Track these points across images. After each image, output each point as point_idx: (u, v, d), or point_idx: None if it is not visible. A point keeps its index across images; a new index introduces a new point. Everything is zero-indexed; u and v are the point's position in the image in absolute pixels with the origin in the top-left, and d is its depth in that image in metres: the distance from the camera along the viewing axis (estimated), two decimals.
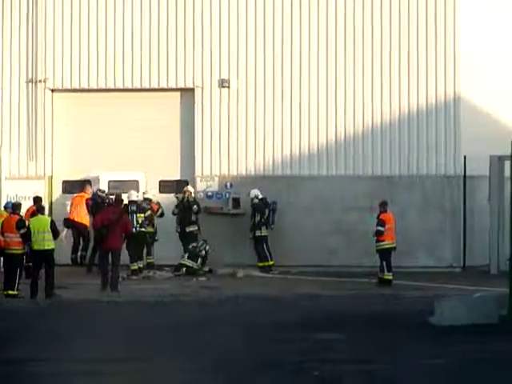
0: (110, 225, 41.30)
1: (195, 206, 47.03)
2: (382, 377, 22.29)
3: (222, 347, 27.19)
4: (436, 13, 49.35)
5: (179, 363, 25.11)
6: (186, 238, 46.75)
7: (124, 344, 27.85)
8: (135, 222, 46.03)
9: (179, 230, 47.38)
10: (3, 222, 39.15)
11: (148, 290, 41.25)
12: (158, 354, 26.52)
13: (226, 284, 43.28)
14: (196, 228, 47.14)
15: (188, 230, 46.86)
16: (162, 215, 47.88)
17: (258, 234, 46.69)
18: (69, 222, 46.37)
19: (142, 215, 46.18)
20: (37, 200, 41.77)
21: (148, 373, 24.06)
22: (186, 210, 46.79)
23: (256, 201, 46.78)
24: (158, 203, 46.90)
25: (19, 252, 38.70)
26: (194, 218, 46.97)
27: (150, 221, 47.28)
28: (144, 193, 48.57)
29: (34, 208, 42.01)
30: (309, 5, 49.84)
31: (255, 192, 46.96)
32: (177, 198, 48.78)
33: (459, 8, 49.42)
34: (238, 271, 45.84)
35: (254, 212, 46.97)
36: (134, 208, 46.20)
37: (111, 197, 45.63)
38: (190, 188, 48.13)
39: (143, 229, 46.07)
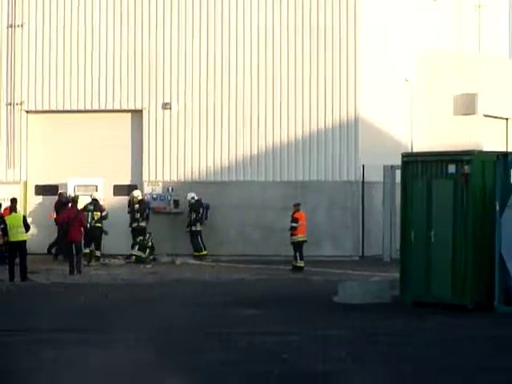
0: (70, 221, 41.82)
1: (137, 206, 47.41)
2: (292, 345, 22.49)
3: (164, 319, 27.87)
4: (340, 49, 49.27)
5: (130, 333, 25.28)
6: (134, 232, 46.92)
7: (84, 316, 28.48)
8: (90, 219, 46.46)
9: (130, 226, 47.27)
10: None
11: (104, 275, 41.92)
12: (112, 324, 27.02)
13: (167, 270, 43.95)
14: (140, 224, 47.38)
15: (134, 225, 47.17)
16: (104, 217, 47.83)
17: (193, 228, 47.67)
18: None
19: (99, 213, 46.17)
20: (12, 201, 42.44)
21: (100, 337, 24.76)
22: (133, 210, 46.82)
23: (192, 201, 47.64)
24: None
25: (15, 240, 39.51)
26: (137, 216, 47.19)
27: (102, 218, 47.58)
28: (91, 195, 48.35)
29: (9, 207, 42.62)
30: (236, 36, 49.35)
31: (191, 194, 47.96)
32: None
33: (359, 46, 49.28)
34: (177, 259, 47.18)
35: (190, 211, 47.81)
36: (92, 207, 46.06)
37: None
38: (134, 192, 48.67)
39: (98, 224, 45.97)
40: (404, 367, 19.86)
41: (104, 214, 47.64)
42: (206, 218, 48.30)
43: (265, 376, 18.96)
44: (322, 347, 22.81)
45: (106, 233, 47.08)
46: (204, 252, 47.28)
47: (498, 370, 19.77)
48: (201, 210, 47.86)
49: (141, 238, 47.55)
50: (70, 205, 44.76)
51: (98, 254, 46.42)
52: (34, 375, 18.72)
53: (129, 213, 48.20)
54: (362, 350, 22.32)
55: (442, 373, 19.55)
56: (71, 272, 41.01)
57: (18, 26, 51.15)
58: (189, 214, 48.17)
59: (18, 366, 19.86)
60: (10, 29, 51.35)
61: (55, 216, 46.29)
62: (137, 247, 47.07)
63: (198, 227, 47.87)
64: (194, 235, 47.82)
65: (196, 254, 47.20)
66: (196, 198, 48.14)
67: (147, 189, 50.48)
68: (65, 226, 42.52)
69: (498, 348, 22.36)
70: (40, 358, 21.07)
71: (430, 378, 19.11)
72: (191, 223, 47.88)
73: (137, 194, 48.86)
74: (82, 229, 42.97)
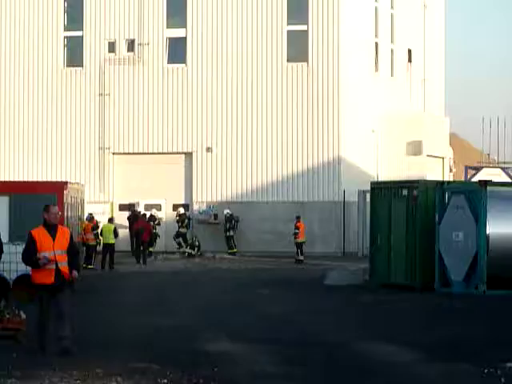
0: (141, 228, 42.58)
1: (177, 218, 47.53)
2: (290, 317, 21.55)
3: (208, 294, 27.77)
4: (328, 110, 49.54)
5: (192, 301, 25.76)
6: (180, 236, 47.40)
7: (159, 292, 28.67)
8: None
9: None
10: (84, 226, 39.34)
11: (166, 266, 41.84)
12: (177, 297, 27.17)
13: (210, 262, 43.95)
14: (180, 230, 47.34)
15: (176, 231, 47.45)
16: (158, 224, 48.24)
17: (227, 234, 47.30)
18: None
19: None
20: (109, 220, 42.52)
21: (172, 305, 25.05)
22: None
23: (227, 215, 47.52)
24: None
25: (93, 244, 39.53)
26: (179, 224, 47.44)
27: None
28: (151, 212, 48.53)
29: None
30: (257, 100, 49.84)
31: (227, 210, 47.88)
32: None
33: (342, 108, 49.74)
34: (216, 255, 46.39)
35: (225, 222, 47.46)
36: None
37: (146, 213, 46.17)
38: (180, 210, 48.59)
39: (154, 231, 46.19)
40: (367, 317, 20.60)
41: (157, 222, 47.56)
42: (236, 228, 47.90)
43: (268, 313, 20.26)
44: (318, 309, 23.15)
45: (159, 236, 47.12)
46: (235, 250, 46.94)
47: (419, 319, 20.49)
48: (233, 222, 47.59)
49: (191, 239, 47.42)
50: (140, 217, 44.63)
51: (151, 249, 45.39)
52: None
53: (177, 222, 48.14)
54: (343, 311, 22.75)
55: (387, 317, 20.42)
56: (139, 262, 41.48)
57: (107, 94, 50.90)
58: (224, 224, 47.81)
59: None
60: (100, 96, 51.08)
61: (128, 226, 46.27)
62: (188, 246, 46.71)
63: (231, 233, 47.50)
64: (228, 239, 47.44)
65: (230, 251, 46.82)
66: (230, 212, 47.83)
67: (195, 206, 50.25)
68: (139, 232, 42.79)
69: (425, 310, 22.78)
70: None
71: (381, 320, 19.73)
72: (226, 230, 47.57)
73: (179, 210, 48.57)
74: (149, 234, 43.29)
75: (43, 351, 14.30)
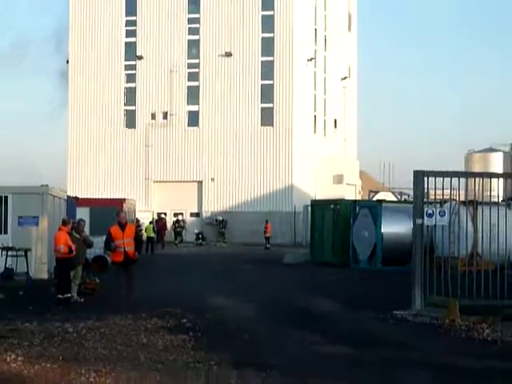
0: (161, 227, 41.48)
1: (175, 221, 46.52)
2: (260, 282, 20.98)
3: (209, 267, 26.62)
4: (285, 152, 49.63)
5: (199, 271, 24.55)
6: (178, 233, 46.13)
7: (178, 265, 27.10)
8: (175, 227, 45.93)
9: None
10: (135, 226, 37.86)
11: (185, 250, 39.96)
12: (190, 269, 25.70)
13: (211, 247, 42.34)
14: (177, 229, 45.53)
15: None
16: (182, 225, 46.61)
17: (220, 231, 47.12)
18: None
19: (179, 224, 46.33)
20: (151, 221, 40.50)
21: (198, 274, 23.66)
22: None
23: (220, 220, 47.37)
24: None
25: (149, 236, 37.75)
26: (177, 225, 45.88)
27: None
28: (177, 218, 47.55)
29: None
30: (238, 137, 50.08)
31: (219, 217, 47.59)
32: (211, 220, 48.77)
33: (293, 152, 49.83)
34: (217, 244, 45.01)
35: (219, 224, 47.53)
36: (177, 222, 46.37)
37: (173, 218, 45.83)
38: (178, 217, 47.77)
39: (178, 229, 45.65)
40: (309, 282, 19.35)
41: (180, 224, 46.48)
42: (225, 227, 47.20)
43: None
44: (278, 276, 22.39)
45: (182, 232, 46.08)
46: (225, 240, 45.87)
47: (340, 283, 19.44)
48: (223, 224, 47.14)
49: (200, 234, 45.93)
50: (160, 221, 42.99)
51: (177, 242, 44.60)
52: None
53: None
54: (293, 279, 21.59)
55: (321, 282, 19.46)
56: (163, 247, 39.73)
57: (150, 145, 50.66)
58: (218, 225, 47.33)
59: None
60: (146, 147, 50.67)
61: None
62: (200, 239, 45.25)
63: (223, 230, 46.89)
64: (220, 234, 46.79)
65: (222, 241, 45.71)
66: (221, 218, 47.42)
67: (204, 214, 49.81)
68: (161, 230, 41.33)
69: (344, 278, 21.94)
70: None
71: (317, 284, 18.64)
72: (219, 229, 47.01)
73: (177, 217, 47.50)
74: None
75: (117, 302, 13.94)
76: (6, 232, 19.47)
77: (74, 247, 15.27)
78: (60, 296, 14.93)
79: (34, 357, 8.77)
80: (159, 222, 42.52)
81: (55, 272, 16.22)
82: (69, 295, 15.11)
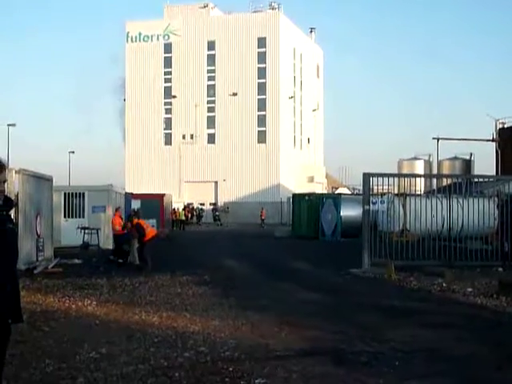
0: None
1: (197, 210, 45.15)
2: (257, 250, 19.71)
3: (221, 240, 25.10)
4: (275, 158, 48.92)
5: (215, 243, 23.20)
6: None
7: (202, 238, 25.86)
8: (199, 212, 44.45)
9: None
10: (171, 212, 36.03)
11: (204, 228, 38.52)
12: (209, 242, 24.32)
13: (224, 227, 40.20)
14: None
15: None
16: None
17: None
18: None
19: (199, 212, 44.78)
20: (184, 208, 40.42)
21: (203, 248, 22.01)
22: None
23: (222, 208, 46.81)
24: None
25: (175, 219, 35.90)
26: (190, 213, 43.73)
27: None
28: (200, 207, 45.67)
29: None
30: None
31: (222, 205, 47.20)
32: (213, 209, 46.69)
33: (280, 161, 49.08)
34: (223, 224, 43.52)
35: (222, 210, 46.75)
36: (199, 209, 44.63)
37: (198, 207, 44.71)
38: (191, 206, 45.45)
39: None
40: (291, 249, 18.50)
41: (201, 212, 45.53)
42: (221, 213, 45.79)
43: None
44: (270, 246, 21.35)
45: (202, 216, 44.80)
46: (221, 223, 43.20)
47: (311, 249, 18.72)
48: (227, 209, 46.90)
49: (218, 217, 43.98)
50: (187, 208, 41.82)
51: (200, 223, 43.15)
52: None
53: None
54: (280, 247, 20.94)
55: (299, 249, 18.15)
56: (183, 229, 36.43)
57: (182, 157, 50.83)
58: (213, 211, 45.59)
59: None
60: (179, 158, 50.76)
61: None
62: (217, 221, 43.34)
63: (217, 216, 44.63)
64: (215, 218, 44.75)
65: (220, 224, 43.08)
66: (214, 207, 46.52)
67: (219, 204, 49.18)
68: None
69: (314, 245, 21.18)
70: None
71: (297, 251, 17.79)
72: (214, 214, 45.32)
73: (198, 206, 45.83)
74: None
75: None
76: (83, 217, 19.54)
77: (121, 227, 14.46)
78: (116, 259, 14.26)
79: (103, 301, 8.73)
80: (185, 210, 41.92)
81: (113, 244, 15.65)
82: (120, 260, 14.20)
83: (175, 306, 8.31)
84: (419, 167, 42.62)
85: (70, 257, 15.34)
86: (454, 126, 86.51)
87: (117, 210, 15.59)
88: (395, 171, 40.72)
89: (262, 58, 50.52)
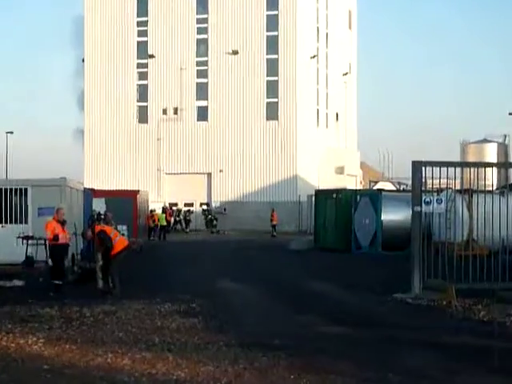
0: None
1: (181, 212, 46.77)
2: (266, 266, 21.02)
3: (221, 249, 26.59)
4: (291, 145, 49.34)
5: (216, 255, 24.55)
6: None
7: (191, 250, 26.97)
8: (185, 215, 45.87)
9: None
10: (148, 216, 37.42)
11: (193, 237, 39.28)
12: (201, 254, 25.45)
13: (221, 235, 41.89)
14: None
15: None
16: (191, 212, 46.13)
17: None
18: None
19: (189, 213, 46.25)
20: (163, 210, 40.94)
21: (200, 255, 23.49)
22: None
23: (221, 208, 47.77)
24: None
25: (153, 225, 36.60)
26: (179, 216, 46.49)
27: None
28: (188, 209, 46.96)
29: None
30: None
31: (221, 205, 48.19)
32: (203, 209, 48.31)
33: (298, 148, 49.38)
34: (225, 231, 44.64)
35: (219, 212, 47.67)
36: (187, 211, 45.82)
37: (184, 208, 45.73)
38: (180, 208, 47.43)
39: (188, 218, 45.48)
40: (313, 266, 19.12)
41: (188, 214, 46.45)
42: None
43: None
44: (283, 262, 21.89)
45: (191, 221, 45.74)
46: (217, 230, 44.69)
47: (343, 267, 19.15)
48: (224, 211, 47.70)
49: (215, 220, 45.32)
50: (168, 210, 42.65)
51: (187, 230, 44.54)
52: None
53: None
54: (298, 264, 21.40)
55: (325, 266, 18.72)
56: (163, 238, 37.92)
57: (161, 139, 51.36)
58: (205, 212, 47.06)
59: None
60: (157, 140, 51.21)
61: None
62: (211, 228, 44.91)
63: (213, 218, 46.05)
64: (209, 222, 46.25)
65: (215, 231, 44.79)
66: (206, 208, 47.77)
67: (213, 203, 49.95)
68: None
69: (346, 261, 21.72)
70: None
71: (322, 268, 18.04)
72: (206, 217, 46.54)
73: (178, 207, 47.52)
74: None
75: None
76: (26, 222, 18.89)
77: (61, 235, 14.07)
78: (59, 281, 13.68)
79: (54, 339, 8.74)
80: (166, 212, 42.31)
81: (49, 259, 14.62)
82: (58, 282, 13.73)
83: (153, 345, 8.37)
84: (491, 153, 43.04)
85: (8, 277, 15.37)
86: None
87: (57, 210, 14.64)
88: (457, 159, 41.35)
89: (272, 1, 50.55)
